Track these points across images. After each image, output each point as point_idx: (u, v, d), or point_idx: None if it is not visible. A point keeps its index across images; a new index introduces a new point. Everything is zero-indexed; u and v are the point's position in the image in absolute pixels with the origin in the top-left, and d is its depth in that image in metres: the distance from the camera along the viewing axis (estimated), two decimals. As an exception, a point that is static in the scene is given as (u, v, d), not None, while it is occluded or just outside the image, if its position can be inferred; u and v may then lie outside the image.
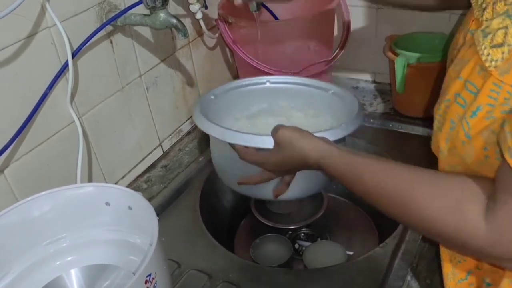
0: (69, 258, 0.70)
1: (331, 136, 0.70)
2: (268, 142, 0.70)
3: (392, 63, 1.04)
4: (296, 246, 1.02)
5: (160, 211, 0.91)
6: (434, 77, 1.02)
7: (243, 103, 0.90)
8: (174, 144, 1.08)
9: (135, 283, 0.52)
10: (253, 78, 0.90)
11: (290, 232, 1.04)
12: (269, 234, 1.01)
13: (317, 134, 0.68)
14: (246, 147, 0.72)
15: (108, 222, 0.70)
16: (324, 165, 0.64)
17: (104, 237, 0.71)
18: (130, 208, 0.67)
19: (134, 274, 0.53)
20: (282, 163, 0.70)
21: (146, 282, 0.54)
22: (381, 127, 1.09)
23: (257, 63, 1.03)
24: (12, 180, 0.74)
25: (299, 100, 0.90)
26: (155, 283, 0.56)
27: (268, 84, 0.89)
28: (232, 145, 0.73)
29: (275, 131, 0.69)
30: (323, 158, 0.64)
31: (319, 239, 1.03)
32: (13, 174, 0.74)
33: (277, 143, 0.69)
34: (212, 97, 0.83)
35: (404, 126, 1.08)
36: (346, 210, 1.09)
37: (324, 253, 0.96)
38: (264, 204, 1.06)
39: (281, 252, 0.98)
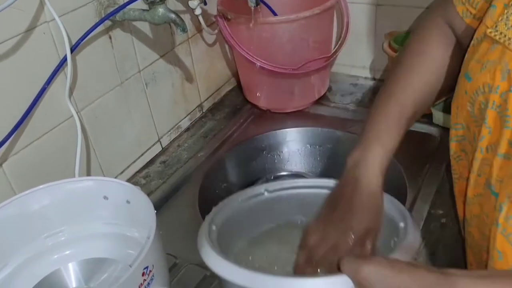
0: (67, 252, 0.70)
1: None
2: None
3: (391, 59, 1.04)
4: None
5: (159, 206, 0.91)
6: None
7: (248, 228, 0.70)
8: (173, 140, 1.08)
9: (132, 275, 0.52)
10: (248, 190, 0.71)
11: (288, 228, 1.04)
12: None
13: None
14: None
15: (106, 216, 0.70)
16: None
17: (102, 231, 0.71)
18: (128, 202, 0.67)
19: (131, 267, 0.53)
20: None
21: (143, 274, 0.54)
22: (380, 124, 1.09)
23: (256, 59, 1.03)
24: (10, 174, 0.75)
25: (308, 208, 0.68)
26: (152, 276, 0.56)
27: (266, 194, 0.70)
28: None
29: (355, 272, 0.47)
30: None
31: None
32: (12, 168, 0.75)
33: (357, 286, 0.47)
34: (214, 227, 0.65)
35: (402, 123, 1.07)
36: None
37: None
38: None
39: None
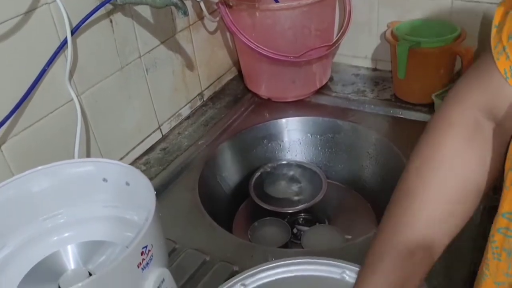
0: (66, 234, 0.70)
1: None
2: None
3: (393, 48, 1.04)
4: (295, 231, 1.02)
5: (158, 192, 0.91)
6: (435, 63, 1.02)
7: None
8: (173, 128, 1.07)
9: (131, 254, 0.52)
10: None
11: (288, 217, 1.04)
12: (268, 218, 1.01)
13: None
14: None
15: (105, 198, 0.70)
16: None
17: (101, 214, 0.70)
18: (127, 184, 0.67)
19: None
20: None
21: (142, 253, 0.54)
22: (381, 113, 1.09)
23: (257, 46, 1.02)
24: (9, 156, 0.74)
25: None
26: (151, 256, 0.56)
27: None
28: None
29: None
30: None
31: (317, 224, 1.03)
32: (10, 150, 0.74)
33: None
34: None
35: (404, 112, 1.07)
36: (345, 196, 1.09)
37: (323, 237, 0.96)
38: (263, 188, 1.06)
39: (279, 236, 0.98)
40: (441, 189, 0.51)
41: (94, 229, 0.70)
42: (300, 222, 1.05)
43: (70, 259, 0.68)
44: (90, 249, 0.69)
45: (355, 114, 1.09)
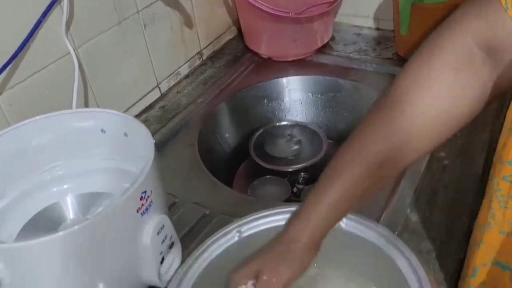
0: (65, 186, 0.69)
1: None
2: None
3: (396, 4, 1.02)
4: (295, 190, 1.02)
5: (158, 149, 0.90)
6: (438, 19, 1.00)
7: None
8: (172, 87, 1.06)
9: (130, 198, 0.52)
10: (218, 234, 0.60)
11: (288, 176, 1.03)
12: (268, 176, 1.01)
13: None
14: None
15: (104, 150, 0.69)
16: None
17: (99, 166, 0.70)
18: (126, 134, 0.66)
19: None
20: None
21: (141, 198, 0.54)
22: (383, 72, 1.07)
23: (257, 1, 1.00)
24: (6, 108, 0.73)
25: None
26: (151, 202, 0.55)
27: (236, 238, 0.60)
28: None
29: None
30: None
31: (317, 183, 1.02)
32: (7, 102, 0.73)
33: None
34: None
35: (406, 71, 1.05)
36: (346, 156, 1.08)
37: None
38: (263, 148, 1.06)
39: (279, 194, 0.98)
40: (423, 109, 0.50)
41: (92, 181, 0.70)
42: (300, 181, 1.04)
43: (69, 210, 0.68)
44: (89, 200, 0.69)
45: (357, 73, 1.07)
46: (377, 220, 0.72)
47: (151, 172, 0.55)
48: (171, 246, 0.61)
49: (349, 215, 0.58)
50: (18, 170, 0.66)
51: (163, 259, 0.59)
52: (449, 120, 0.50)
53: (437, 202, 0.73)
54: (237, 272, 0.52)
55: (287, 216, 0.60)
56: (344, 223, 0.58)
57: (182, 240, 0.66)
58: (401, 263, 0.53)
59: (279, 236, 0.54)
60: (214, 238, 0.58)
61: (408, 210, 0.72)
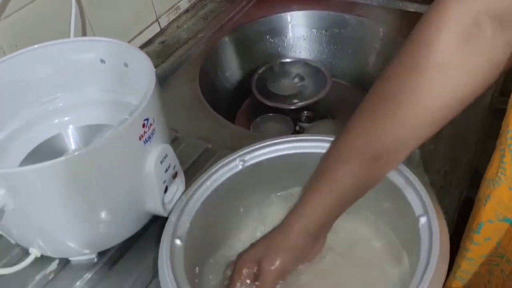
0: (66, 118, 0.69)
1: None
2: None
3: None
4: (297, 128, 1.01)
5: (159, 83, 0.88)
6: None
7: (225, 231, 0.60)
8: (172, 22, 1.03)
9: (132, 124, 0.51)
10: (222, 163, 0.58)
11: (291, 114, 1.02)
12: (270, 114, 0.99)
13: None
14: None
15: (104, 81, 0.67)
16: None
17: (100, 98, 0.69)
18: (126, 65, 0.64)
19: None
20: None
21: (143, 126, 0.53)
22: (390, 7, 1.04)
23: None
24: (2, 38, 0.71)
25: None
26: (153, 130, 0.54)
27: (240, 167, 0.58)
28: None
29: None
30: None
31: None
32: (3, 32, 0.71)
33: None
34: (178, 242, 0.51)
35: (414, 6, 1.02)
36: (349, 93, 1.07)
37: (325, 132, 0.95)
38: (266, 85, 1.04)
39: (282, 132, 0.97)
40: (425, 93, 0.46)
41: (93, 113, 0.69)
42: (303, 119, 1.03)
43: (71, 141, 0.68)
44: (90, 132, 0.68)
45: (363, 8, 1.04)
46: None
47: (153, 99, 0.54)
48: (174, 176, 0.61)
49: None
50: (18, 101, 0.65)
51: (166, 189, 0.59)
52: (454, 101, 0.46)
53: (442, 135, 0.73)
54: (243, 257, 0.53)
55: (292, 145, 0.59)
56: None
57: (186, 173, 0.66)
58: (406, 189, 0.52)
59: (281, 224, 0.54)
60: (218, 166, 0.57)
61: (413, 143, 0.72)
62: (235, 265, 0.53)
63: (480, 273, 0.63)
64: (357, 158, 0.50)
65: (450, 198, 0.64)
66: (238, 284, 0.52)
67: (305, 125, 1.01)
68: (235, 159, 0.58)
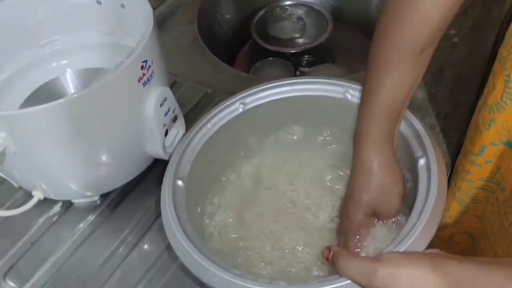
0: (64, 62, 0.68)
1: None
2: None
3: None
4: (297, 73, 1.00)
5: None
6: None
7: (225, 172, 0.60)
8: (169, -37, 1.00)
9: (131, 65, 0.50)
10: (222, 106, 0.58)
11: (291, 59, 1.01)
12: (270, 58, 0.98)
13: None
14: None
15: (101, 23, 0.66)
16: None
17: (98, 41, 0.68)
18: (122, 6, 0.63)
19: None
20: None
21: (142, 68, 0.52)
22: None
23: None
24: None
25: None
26: (152, 72, 0.54)
27: (241, 110, 0.58)
28: None
29: (369, 278, 0.39)
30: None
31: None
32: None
33: None
34: (180, 183, 0.51)
35: None
36: (351, 37, 1.05)
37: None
38: (266, 29, 1.02)
39: (282, 76, 0.95)
40: None
41: (92, 57, 0.68)
42: (303, 64, 1.02)
43: (70, 85, 0.67)
44: (89, 76, 0.67)
45: None
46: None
47: (151, 41, 0.53)
48: (174, 119, 0.61)
49: (345, 83, 0.57)
50: (16, 44, 0.64)
51: (167, 132, 0.59)
52: None
53: (443, 79, 0.72)
54: (356, 211, 0.51)
55: (293, 87, 0.59)
56: (349, 94, 0.57)
57: (186, 117, 0.65)
58: (405, 131, 0.52)
59: (359, 163, 0.51)
60: (218, 109, 0.57)
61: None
62: (349, 224, 0.52)
63: (478, 198, 0.64)
64: (405, 57, 0.48)
65: (449, 142, 0.65)
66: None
67: (305, 69, 1.00)
68: (235, 101, 0.58)
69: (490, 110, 0.57)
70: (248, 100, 0.58)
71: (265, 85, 0.59)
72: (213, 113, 0.57)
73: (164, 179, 0.51)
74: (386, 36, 0.49)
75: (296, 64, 1.01)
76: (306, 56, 1.02)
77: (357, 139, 0.52)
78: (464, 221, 0.68)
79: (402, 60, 0.49)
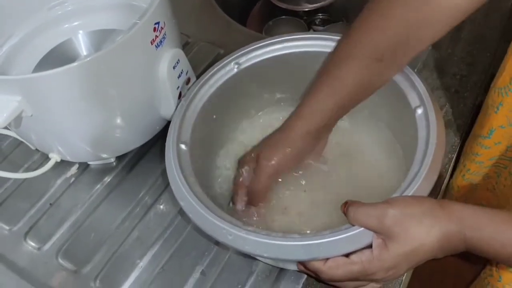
0: (76, 23, 0.67)
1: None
2: (362, 239, 0.42)
3: None
4: (311, 31, 0.98)
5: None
6: None
7: (228, 132, 0.61)
8: None
9: (143, 27, 0.50)
10: (215, 68, 0.57)
11: (305, 17, 0.99)
12: (283, 17, 0.97)
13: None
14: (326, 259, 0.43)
15: (111, -17, 0.65)
16: (474, 241, 0.41)
17: (108, 1, 0.66)
18: (133, -36, 0.62)
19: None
20: (397, 265, 0.42)
21: (154, 30, 0.52)
22: None
23: None
24: None
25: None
26: (164, 34, 0.53)
27: (236, 70, 0.57)
28: (304, 264, 0.45)
29: (380, 220, 0.41)
30: (473, 230, 0.41)
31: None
32: None
33: (387, 235, 0.41)
34: (183, 147, 0.51)
35: None
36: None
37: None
38: (279, -14, 1.00)
39: (295, 35, 0.94)
40: None
41: (103, 18, 0.67)
42: (317, 22, 1.00)
43: (82, 47, 0.67)
44: (101, 37, 0.67)
45: None
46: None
47: (163, 2, 0.52)
48: (187, 82, 0.61)
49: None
50: (25, 6, 0.64)
51: (180, 94, 0.59)
52: (466, 4, 0.45)
53: (460, 38, 0.71)
54: (243, 158, 0.54)
55: (286, 44, 0.57)
56: None
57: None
58: (401, 82, 0.52)
59: (282, 125, 0.54)
60: (212, 72, 0.56)
61: (430, 47, 0.70)
62: (238, 165, 0.55)
63: (488, 174, 0.64)
64: (360, 57, 0.49)
65: (464, 103, 0.64)
66: (240, 180, 0.53)
67: (319, 28, 0.98)
68: (229, 62, 0.57)
69: (499, 93, 0.56)
70: (242, 59, 0.57)
71: (258, 43, 0.57)
72: (207, 77, 0.56)
73: (166, 144, 0.51)
74: (354, 31, 0.50)
75: (309, 23, 0.99)
76: (320, 14, 1.00)
77: (295, 108, 0.53)
78: (476, 196, 0.68)
79: (357, 58, 0.49)
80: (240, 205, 0.53)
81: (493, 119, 0.58)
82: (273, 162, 0.51)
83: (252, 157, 0.53)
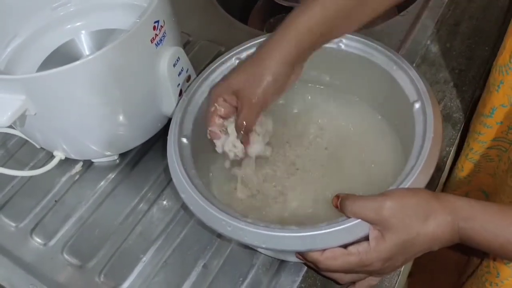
0: (78, 23, 0.68)
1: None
2: (359, 230, 0.43)
3: None
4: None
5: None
6: None
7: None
8: None
9: (143, 25, 0.51)
10: (217, 62, 0.58)
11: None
12: (284, 14, 0.97)
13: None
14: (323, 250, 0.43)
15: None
16: (467, 231, 0.41)
17: (110, 1, 0.68)
18: (134, -35, 0.63)
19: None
20: (393, 256, 0.42)
21: (154, 28, 0.53)
22: None
23: None
24: None
25: None
26: (164, 33, 0.54)
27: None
28: (302, 254, 0.46)
29: (379, 209, 0.41)
30: (466, 221, 0.41)
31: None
32: None
33: (384, 226, 0.42)
34: (185, 141, 0.52)
35: None
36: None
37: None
38: (280, -16, 1.00)
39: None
40: None
41: (105, 18, 0.68)
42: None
43: (85, 47, 0.68)
44: (103, 37, 0.68)
45: None
46: (396, 51, 0.71)
47: (163, 1, 0.53)
48: (188, 79, 0.62)
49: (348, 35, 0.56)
50: (28, 7, 0.65)
51: (181, 92, 0.60)
52: None
53: (459, 33, 0.71)
54: (218, 86, 0.52)
55: None
56: (343, 44, 0.56)
57: (199, 76, 0.66)
58: (400, 78, 0.52)
59: (256, 54, 0.52)
60: (213, 67, 0.57)
61: (429, 42, 0.70)
62: (210, 95, 0.53)
63: (491, 157, 0.65)
64: None
65: (462, 97, 0.64)
66: (217, 119, 0.52)
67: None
68: (230, 57, 0.57)
69: (500, 72, 0.56)
70: (243, 54, 0.58)
71: (259, 39, 0.57)
72: (209, 71, 0.56)
73: (168, 138, 0.52)
74: None
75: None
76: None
77: (269, 37, 0.52)
78: (478, 179, 0.69)
79: None
80: (218, 141, 0.53)
81: (494, 98, 0.58)
82: (260, 98, 0.50)
83: (228, 90, 0.51)
